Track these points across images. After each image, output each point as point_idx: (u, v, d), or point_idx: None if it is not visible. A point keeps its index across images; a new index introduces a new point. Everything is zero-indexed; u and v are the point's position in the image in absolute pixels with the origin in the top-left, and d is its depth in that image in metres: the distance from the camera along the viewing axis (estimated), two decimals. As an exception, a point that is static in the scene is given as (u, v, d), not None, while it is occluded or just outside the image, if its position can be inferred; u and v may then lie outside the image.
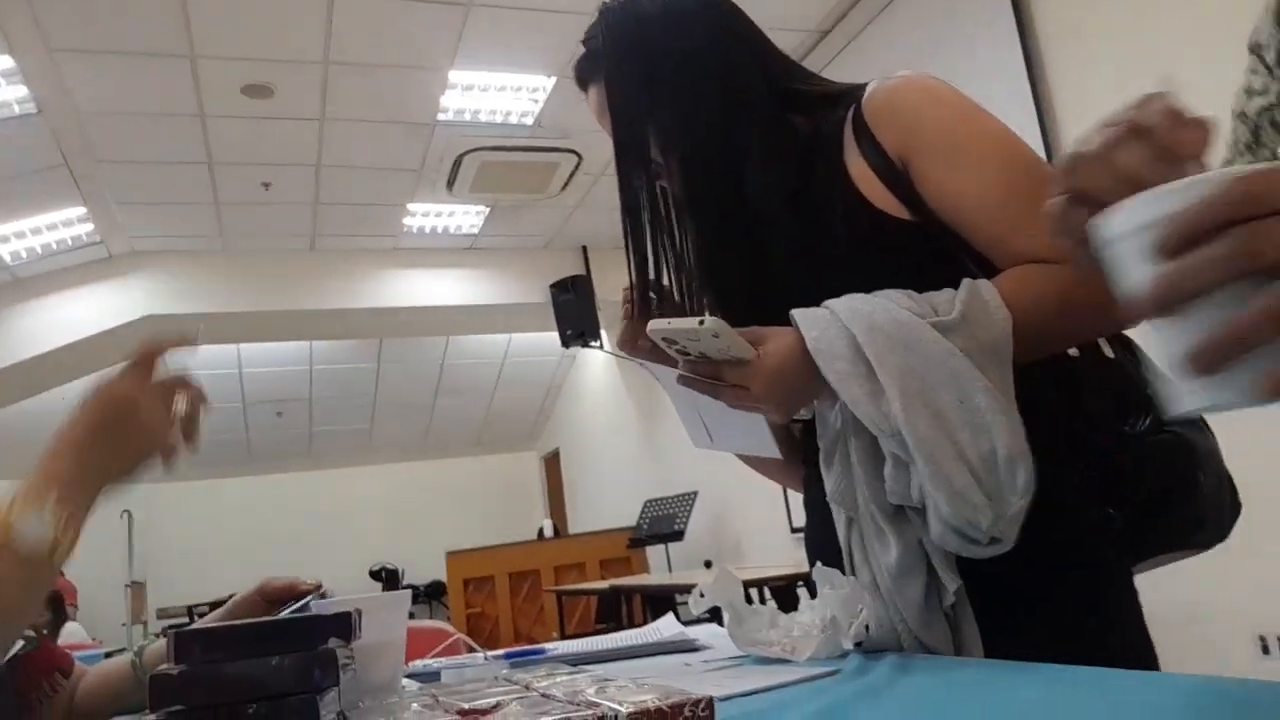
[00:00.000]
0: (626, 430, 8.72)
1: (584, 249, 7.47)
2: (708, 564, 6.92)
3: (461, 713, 0.55)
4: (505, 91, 5.06)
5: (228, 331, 7.20)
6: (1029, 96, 3.63)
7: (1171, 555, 1.02)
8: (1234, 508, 1.01)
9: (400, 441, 10.81)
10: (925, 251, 0.97)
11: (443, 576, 8.26)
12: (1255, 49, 0.91)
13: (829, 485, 0.97)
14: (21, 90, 4.41)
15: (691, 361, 0.94)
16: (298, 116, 5.04)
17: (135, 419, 0.80)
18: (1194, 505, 0.97)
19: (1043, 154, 3.52)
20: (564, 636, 6.00)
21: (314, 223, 6.46)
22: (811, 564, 0.98)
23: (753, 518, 6.52)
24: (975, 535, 0.82)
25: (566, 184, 6.16)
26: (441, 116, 5.22)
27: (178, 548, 9.81)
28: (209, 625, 0.65)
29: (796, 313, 0.92)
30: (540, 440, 11.60)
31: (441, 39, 4.51)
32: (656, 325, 0.90)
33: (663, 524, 6.76)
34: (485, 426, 11.08)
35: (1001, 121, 0.96)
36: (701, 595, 0.96)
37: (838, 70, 4.79)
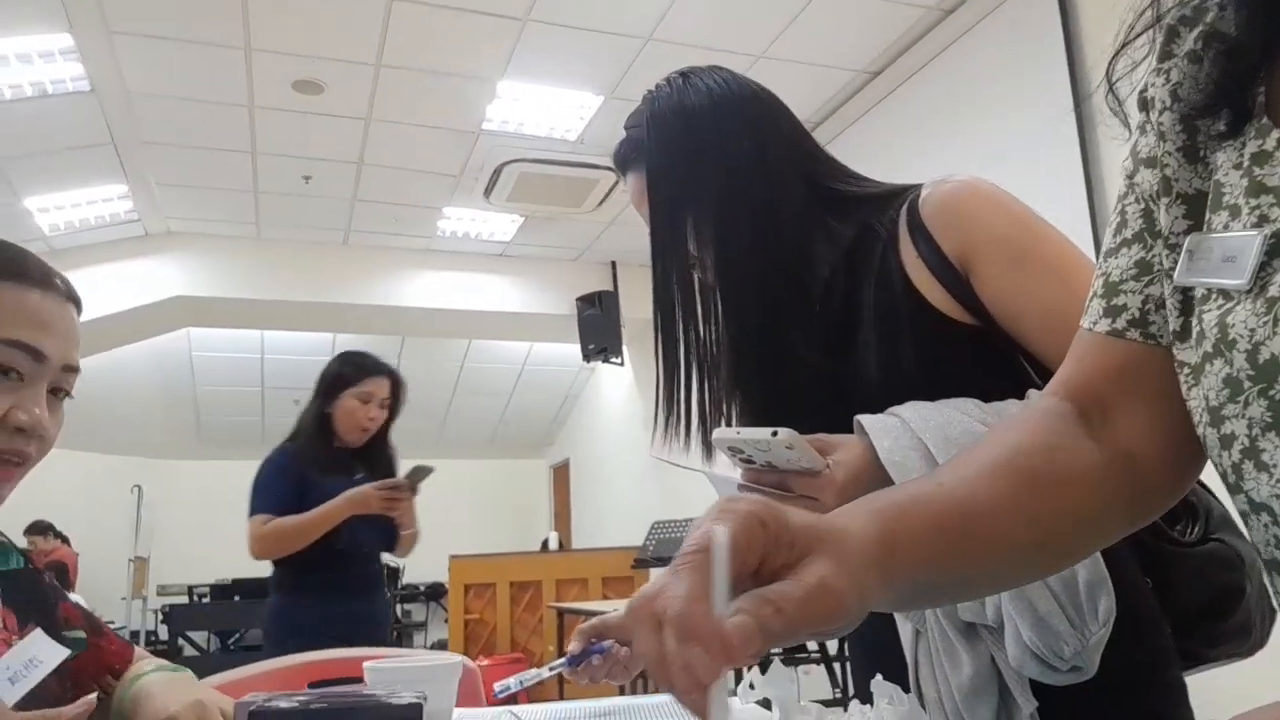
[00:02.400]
0: (638, 448, 8.69)
1: (613, 264, 7.48)
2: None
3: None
4: (552, 106, 5.08)
5: (255, 317, 7.24)
6: (1078, 155, 3.61)
7: (1219, 664, 1.01)
8: (1271, 612, 1.00)
9: (413, 438, 10.82)
10: (988, 356, 0.96)
11: (444, 578, 8.25)
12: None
13: None
14: (77, 68, 4.45)
15: (756, 470, 0.92)
16: (345, 115, 5.07)
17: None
18: (1243, 612, 0.96)
19: (1086, 205, 3.50)
20: (561, 653, 5.96)
21: (350, 218, 6.49)
22: (856, 664, 0.97)
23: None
24: (1056, 663, 0.80)
25: (603, 201, 6.17)
26: (487, 125, 5.24)
27: (183, 526, 9.83)
28: (285, 707, 0.64)
29: (866, 419, 0.90)
30: (552, 449, 11.59)
31: (494, 50, 4.52)
32: (723, 434, 0.88)
33: (669, 547, 6.73)
34: (499, 429, 11.08)
35: (1057, 230, 0.97)
36: (751, 687, 0.94)
37: (885, 112, 4.78)
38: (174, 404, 9.59)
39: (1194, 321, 0.54)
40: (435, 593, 10.01)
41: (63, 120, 4.83)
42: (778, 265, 1.03)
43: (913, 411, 0.89)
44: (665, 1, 4.14)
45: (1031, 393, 0.90)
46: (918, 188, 1.02)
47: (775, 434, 0.83)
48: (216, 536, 9.86)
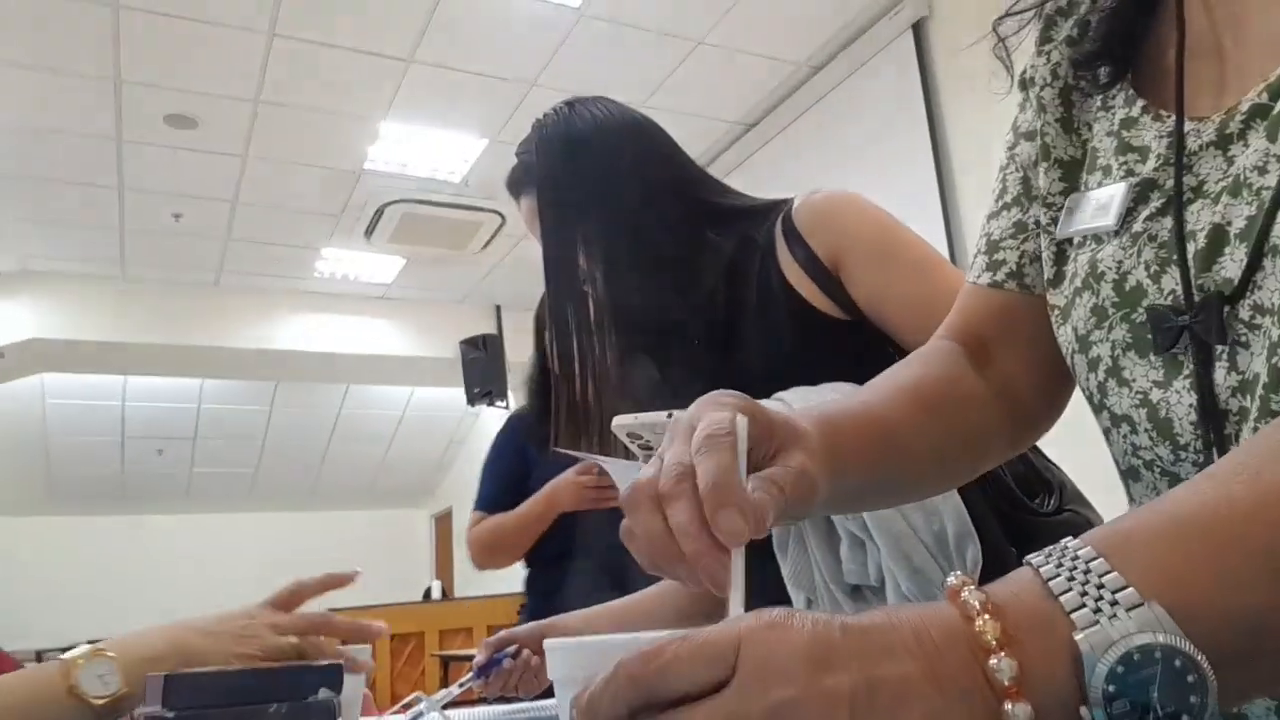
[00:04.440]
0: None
1: (498, 308, 7.46)
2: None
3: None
4: (436, 147, 5.09)
5: (118, 361, 6.89)
6: (937, 195, 3.87)
7: None
8: None
9: (286, 490, 10.42)
10: (860, 347, 1.07)
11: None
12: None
13: (786, 569, 1.01)
14: (-74, 95, 4.21)
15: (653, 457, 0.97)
16: (220, 151, 4.94)
17: (239, 625, 0.86)
18: None
19: (946, 244, 3.74)
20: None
21: (222, 258, 6.28)
22: None
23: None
24: None
25: (488, 243, 6.18)
26: (369, 165, 5.20)
27: (32, 587, 9.15)
28: (200, 670, 0.65)
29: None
30: (434, 498, 11.34)
31: (378, 90, 4.51)
32: (622, 420, 0.93)
33: (555, 591, 6.67)
34: (379, 477, 10.79)
35: (916, 233, 1.10)
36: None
37: (760, 163, 4.99)
38: (21, 455, 8.95)
39: (1067, 268, 0.63)
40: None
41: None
42: (660, 276, 1.12)
43: (795, 395, 0.96)
44: (549, 49, 4.24)
45: None
46: (790, 200, 1.14)
47: (670, 415, 0.88)
48: (69, 597, 9.22)
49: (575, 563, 2.10)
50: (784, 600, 1.03)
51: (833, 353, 1.06)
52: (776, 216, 1.13)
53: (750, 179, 5.08)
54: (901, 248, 1.08)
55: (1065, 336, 0.63)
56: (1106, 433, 0.62)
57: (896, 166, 4.03)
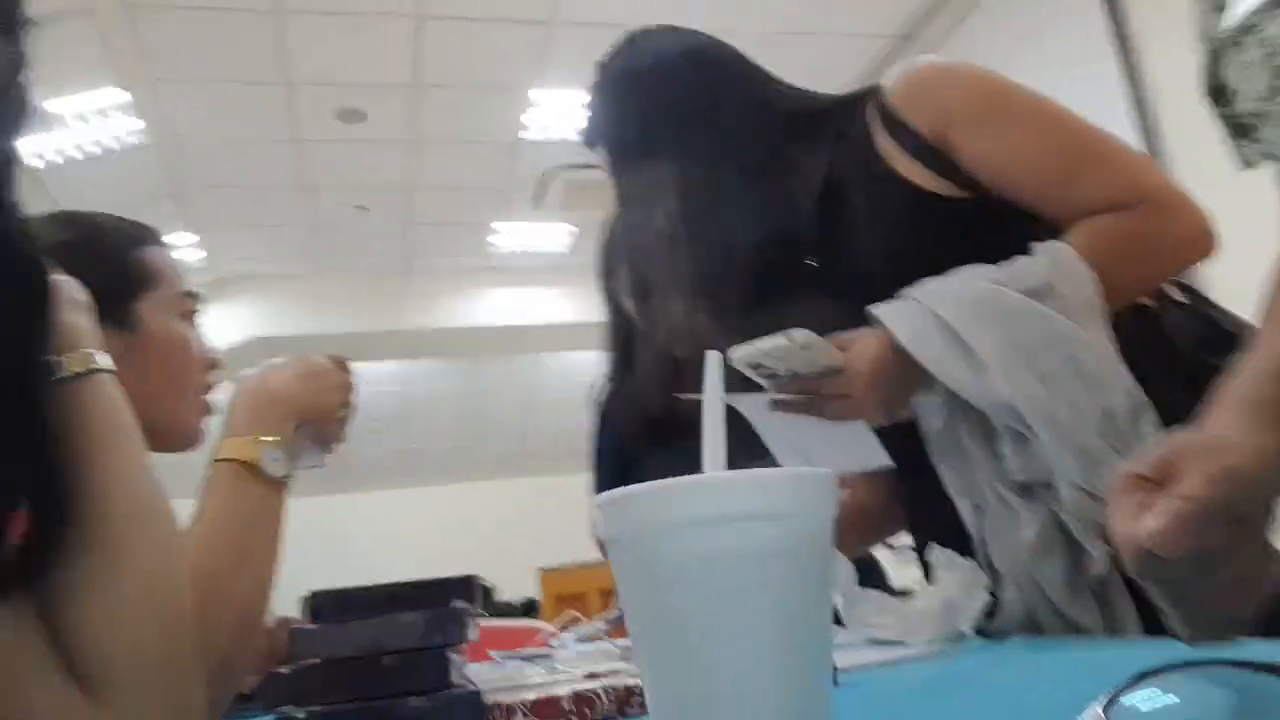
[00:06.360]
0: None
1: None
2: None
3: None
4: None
5: (329, 350, 7.42)
6: (1125, 93, 3.49)
7: None
8: None
9: (493, 457, 10.95)
10: (983, 225, 0.96)
11: (536, 594, 8.31)
12: None
13: (948, 479, 0.93)
14: (136, 123, 4.62)
15: (781, 384, 0.93)
16: (390, 139, 5.17)
17: (321, 380, 0.94)
18: None
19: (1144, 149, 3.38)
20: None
21: (405, 243, 6.61)
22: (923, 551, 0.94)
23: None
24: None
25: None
26: (524, 135, 5.29)
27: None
28: (339, 588, 0.68)
29: (878, 308, 0.91)
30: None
31: (524, 58, 4.57)
32: (742, 351, 0.90)
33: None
34: (579, 441, 11.14)
35: (1024, 85, 0.98)
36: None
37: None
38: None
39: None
40: (530, 609, 10.08)
41: (123, 176, 5.01)
42: (751, 203, 1.04)
43: (922, 290, 0.89)
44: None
45: (1035, 245, 0.90)
46: (878, 85, 1.04)
47: (790, 336, 0.84)
48: (304, 570, 10.12)
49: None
50: (950, 511, 0.94)
51: (959, 236, 0.96)
52: (867, 104, 1.03)
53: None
54: (1017, 103, 0.96)
55: None
56: None
57: (1077, 71, 3.66)
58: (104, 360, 0.63)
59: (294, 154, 5.19)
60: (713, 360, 0.42)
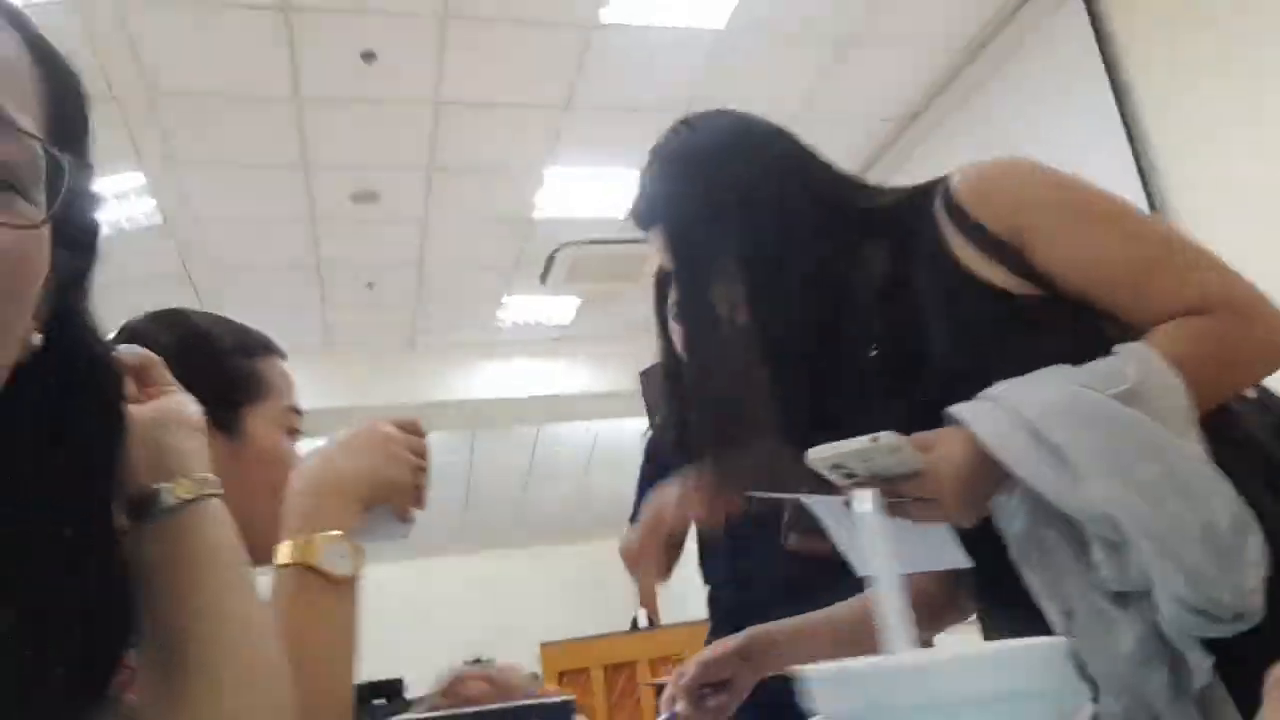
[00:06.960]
0: (719, 516, 8.56)
1: (674, 335, 7.51)
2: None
3: None
4: (597, 186, 5.18)
5: (327, 426, 7.38)
6: (1131, 165, 3.57)
7: None
8: None
9: (491, 529, 10.84)
10: (1065, 324, 0.94)
11: (537, 668, 8.14)
12: None
13: (1033, 582, 0.90)
14: (150, 203, 4.68)
15: (860, 484, 0.88)
16: (402, 219, 5.23)
17: (390, 451, 0.85)
18: None
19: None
20: None
21: (413, 319, 6.64)
22: None
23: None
24: (1219, 613, 0.75)
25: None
26: (537, 214, 5.36)
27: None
28: (439, 712, 0.65)
29: (958, 409, 0.88)
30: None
31: (538, 140, 4.65)
32: (820, 453, 0.86)
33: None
34: (576, 513, 11.05)
35: (1094, 184, 0.97)
36: None
37: (930, 151, 4.78)
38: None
39: None
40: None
41: (138, 257, 5.05)
42: (815, 297, 1.02)
43: (1002, 390, 0.86)
44: (697, 72, 4.23)
45: (1117, 347, 0.87)
46: (944, 179, 1.01)
47: (876, 439, 0.82)
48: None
49: (753, 578, 2.05)
50: (1035, 614, 0.93)
51: (1036, 335, 0.93)
52: (934, 200, 1.01)
53: (919, 178, 4.87)
54: (1093, 203, 0.95)
55: None
56: None
57: (1081, 138, 3.75)
58: (214, 484, 0.62)
59: (307, 235, 5.24)
60: (873, 524, 0.41)
